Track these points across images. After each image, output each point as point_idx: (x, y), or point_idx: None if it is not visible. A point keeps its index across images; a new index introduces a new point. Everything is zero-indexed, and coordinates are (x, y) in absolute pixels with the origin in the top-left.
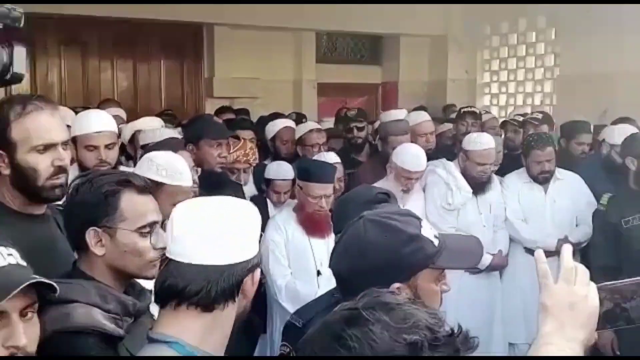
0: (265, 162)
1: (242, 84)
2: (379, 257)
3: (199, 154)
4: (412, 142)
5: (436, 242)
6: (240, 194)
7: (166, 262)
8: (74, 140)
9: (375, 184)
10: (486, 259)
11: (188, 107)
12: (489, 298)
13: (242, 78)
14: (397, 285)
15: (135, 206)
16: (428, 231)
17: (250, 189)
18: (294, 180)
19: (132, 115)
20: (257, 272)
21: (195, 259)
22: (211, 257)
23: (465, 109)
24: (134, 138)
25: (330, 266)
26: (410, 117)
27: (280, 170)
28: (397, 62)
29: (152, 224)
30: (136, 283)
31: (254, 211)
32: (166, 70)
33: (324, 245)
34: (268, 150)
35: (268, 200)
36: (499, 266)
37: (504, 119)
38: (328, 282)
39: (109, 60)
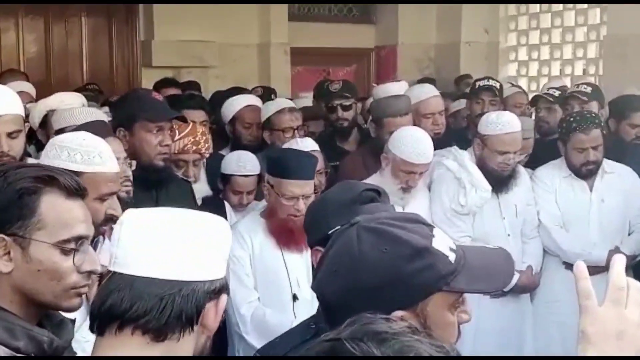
0: (222, 152)
1: (191, 49)
2: (375, 276)
3: (133, 142)
4: (414, 124)
5: (452, 256)
6: (189, 194)
7: (108, 277)
8: None
9: (365, 180)
10: (512, 278)
11: (118, 79)
12: (516, 327)
13: (190, 41)
14: (399, 313)
15: (58, 212)
16: (441, 242)
17: (201, 187)
18: (260, 176)
19: (44, 91)
20: (223, 300)
21: (147, 270)
22: (166, 269)
23: (482, 82)
24: (46, 121)
25: (312, 287)
26: (413, 92)
27: (242, 163)
28: (395, 20)
29: (78, 239)
30: (54, 312)
31: (225, 228)
32: (89, 31)
33: (302, 261)
34: (225, 136)
35: (226, 202)
36: (528, 287)
37: (534, 93)
38: (307, 309)
39: (12, 17)
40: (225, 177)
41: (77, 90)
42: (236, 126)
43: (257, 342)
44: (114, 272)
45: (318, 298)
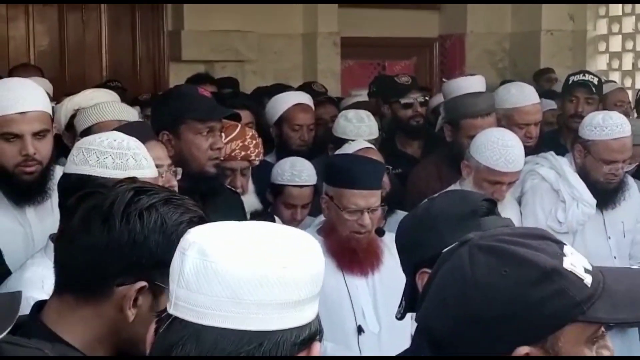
0: (267, 158)
1: (225, 41)
2: (493, 305)
3: (179, 146)
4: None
5: (588, 279)
6: (239, 208)
7: (167, 323)
8: None
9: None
10: None
11: (142, 75)
12: None
13: (224, 32)
14: (524, 349)
15: None
16: (575, 262)
17: (250, 200)
18: (315, 188)
19: (58, 89)
20: (315, 351)
21: (218, 318)
22: (245, 317)
23: (576, 77)
24: (73, 122)
25: (416, 319)
26: (509, 94)
27: (297, 172)
28: (462, 5)
29: None
30: None
31: (318, 253)
32: (109, 21)
33: (367, 287)
34: (270, 140)
35: (276, 217)
36: None
37: (629, 90)
38: (374, 343)
39: (21, 5)
40: (276, 188)
41: (97, 87)
42: (283, 128)
43: None
44: (174, 318)
45: (423, 332)
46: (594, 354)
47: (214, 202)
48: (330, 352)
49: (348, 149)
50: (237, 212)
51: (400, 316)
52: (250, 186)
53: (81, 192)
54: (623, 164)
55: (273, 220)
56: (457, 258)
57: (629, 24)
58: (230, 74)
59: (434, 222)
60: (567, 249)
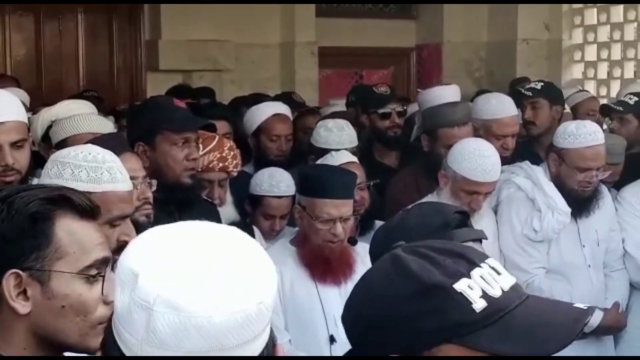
0: (245, 168)
1: (203, 50)
2: (377, 310)
3: (155, 157)
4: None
5: (479, 304)
6: (215, 219)
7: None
8: None
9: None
10: (595, 317)
11: (119, 85)
12: None
13: (202, 41)
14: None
15: (77, 236)
16: (476, 285)
17: (228, 211)
18: (294, 198)
19: (34, 99)
20: (279, 350)
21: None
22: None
23: (537, 84)
24: (49, 134)
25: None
26: (488, 104)
27: (275, 182)
28: (439, 15)
29: (101, 263)
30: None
31: (268, 261)
32: (86, 30)
33: (339, 296)
34: (248, 150)
35: (255, 228)
36: (614, 328)
37: (604, 99)
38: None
39: None
40: (254, 199)
41: (73, 97)
42: (261, 139)
43: None
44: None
45: (342, 322)
46: None
47: (190, 212)
48: None
49: (331, 161)
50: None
51: None
52: (228, 197)
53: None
54: (597, 171)
55: (252, 232)
56: (382, 260)
57: (603, 33)
58: (208, 84)
59: (407, 234)
60: (480, 271)
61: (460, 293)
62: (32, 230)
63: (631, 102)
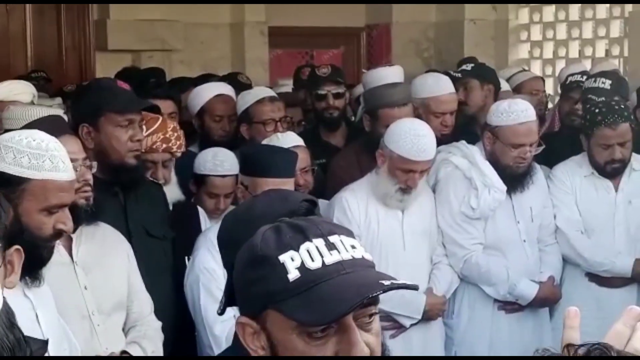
0: (191, 148)
1: (151, 30)
2: (234, 275)
3: (99, 139)
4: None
5: (293, 275)
6: (160, 200)
7: None
8: None
9: (359, 180)
10: (530, 290)
11: (68, 65)
12: (534, 345)
13: (150, 21)
14: (243, 319)
15: None
16: (299, 257)
17: (172, 190)
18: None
19: None
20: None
21: None
22: None
23: (468, 66)
24: None
25: None
26: (426, 83)
27: (219, 161)
28: None
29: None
30: None
31: None
32: (34, 10)
33: None
34: (193, 130)
35: (199, 208)
36: (550, 300)
37: (550, 78)
38: None
39: None
40: (199, 178)
41: (21, 78)
42: (205, 119)
43: None
44: None
45: None
46: (311, 347)
47: (136, 193)
48: None
49: (277, 143)
50: (159, 203)
51: (221, 312)
52: (173, 177)
53: None
54: (530, 147)
55: (196, 211)
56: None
57: (549, 13)
58: (157, 64)
59: (253, 221)
60: (305, 246)
61: (283, 264)
62: None
63: (576, 80)
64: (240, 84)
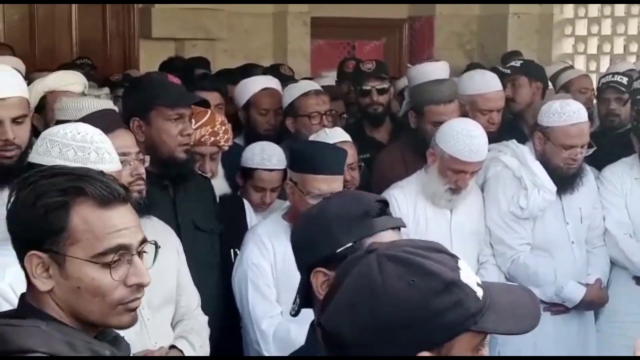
0: (236, 140)
1: (196, 19)
2: (401, 312)
3: (150, 132)
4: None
5: (480, 292)
6: (209, 193)
7: None
8: None
9: (408, 178)
10: (577, 292)
11: (112, 53)
12: (578, 348)
13: (195, 9)
14: (425, 354)
15: (91, 224)
16: (469, 276)
17: (219, 184)
18: (285, 172)
19: (27, 66)
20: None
21: None
22: None
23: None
24: (44, 104)
25: (322, 321)
26: (472, 80)
27: (267, 155)
28: None
29: (117, 250)
30: (107, 329)
31: None
32: None
33: None
34: (239, 123)
35: (245, 201)
36: (595, 303)
37: (593, 74)
38: None
39: None
40: (246, 171)
41: (67, 64)
42: (251, 112)
43: None
44: None
45: (328, 334)
46: None
47: (184, 187)
48: (294, 334)
49: (325, 138)
50: (207, 196)
51: (295, 312)
52: (220, 170)
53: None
54: (581, 149)
55: (242, 204)
56: (365, 266)
57: (594, 8)
58: (201, 53)
59: (327, 223)
60: (461, 263)
61: (467, 284)
62: (47, 218)
63: (624, 81)
64: (282, 75)
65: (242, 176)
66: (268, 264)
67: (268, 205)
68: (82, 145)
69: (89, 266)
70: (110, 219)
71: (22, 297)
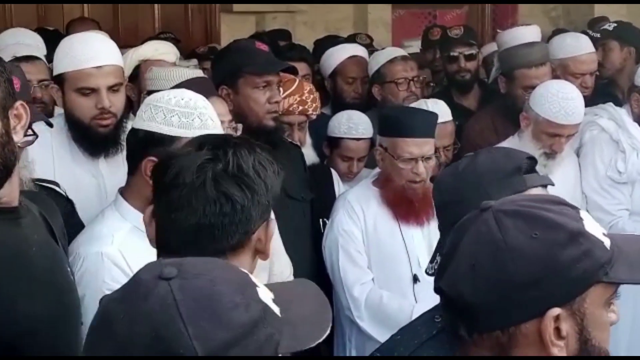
0: (324, 110)
1: None
2: (527, 268)
3: (238, 100)
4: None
5: (607, 242)
6: (299, 161)
7: None
8: (59, 79)
9: (500, 144)
10: None
11: (194, 27)
12: None
13: None
14: (555, 311)
15: None
16: (593, 226)
17: (308, 153)
18: (372, 142)
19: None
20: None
21: None
22: None
23: (610, 25)
24: (137, 74)
25: (442, 285)
26: (564, 43)
27: (354, 124)
28: None
29: None
30: None
31: None
32: None
33: (422, 237)
34: (326, 93)
35: (333, 171)
36: None
37: None
38: (429, 292)
39: None
40: (333, 141)
41: (150, 39)
42: (337, 81)
43: (372, 329)
44: None
45: (449, 297)
46: (608, 316)
47: (275, 155)
48: (386, 301)
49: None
50: (298, 165)
51: (433, 272)
52: (308, 139)
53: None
54: None
55: (330, 173)
56: (482, 224)
57: None
58: (281, 26)
59: (478, 179)
60: (583, 214)
61: (593, 234)
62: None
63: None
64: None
65: (328, 146)
66: (358, 230)
67: (355, 175)
68: (186, 110)
69: None
70: None
71: None
